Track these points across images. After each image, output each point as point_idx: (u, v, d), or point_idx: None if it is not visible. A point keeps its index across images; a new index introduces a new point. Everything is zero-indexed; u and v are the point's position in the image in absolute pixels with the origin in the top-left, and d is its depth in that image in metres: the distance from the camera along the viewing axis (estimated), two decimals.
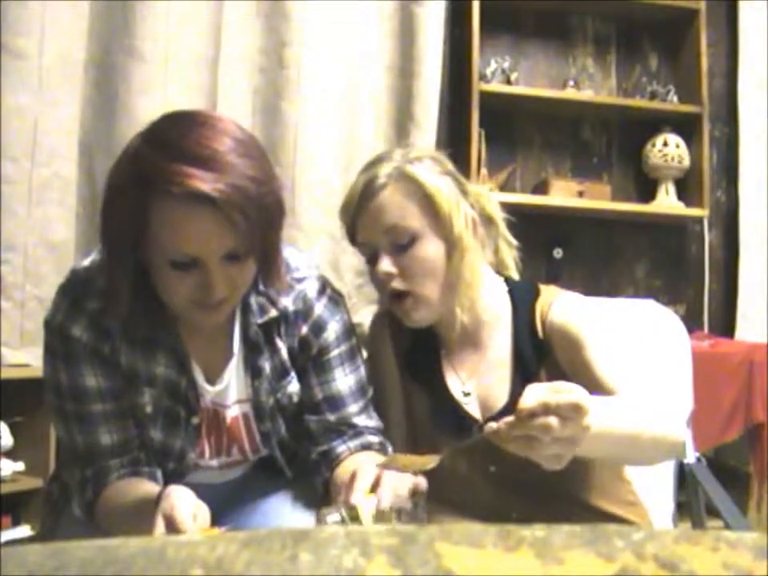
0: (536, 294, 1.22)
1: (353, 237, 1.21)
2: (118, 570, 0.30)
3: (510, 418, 0.82)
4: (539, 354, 1.18)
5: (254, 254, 0.99)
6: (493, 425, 0.85)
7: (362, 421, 1.19)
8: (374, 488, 0.95)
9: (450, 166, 1.21)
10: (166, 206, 0.92)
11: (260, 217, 0.94)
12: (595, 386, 1.07)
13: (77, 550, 0.32)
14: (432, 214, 1.15)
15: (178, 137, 0.94)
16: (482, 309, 1.21)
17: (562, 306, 1.18)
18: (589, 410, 0.80)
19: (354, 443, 1.17)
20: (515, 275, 1.28)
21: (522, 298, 1.22)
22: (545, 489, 1.14)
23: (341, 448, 1.17)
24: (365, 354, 1.29)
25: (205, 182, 0.90)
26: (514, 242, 1.27)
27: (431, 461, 0.95)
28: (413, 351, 1.28)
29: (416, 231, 1.15)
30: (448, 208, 1.15)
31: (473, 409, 1.22)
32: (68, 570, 0.30)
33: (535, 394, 0.81)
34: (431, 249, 1.15)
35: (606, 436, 0.91)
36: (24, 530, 1.93)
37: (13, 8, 1.99)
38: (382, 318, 1.33)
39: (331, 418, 1.17)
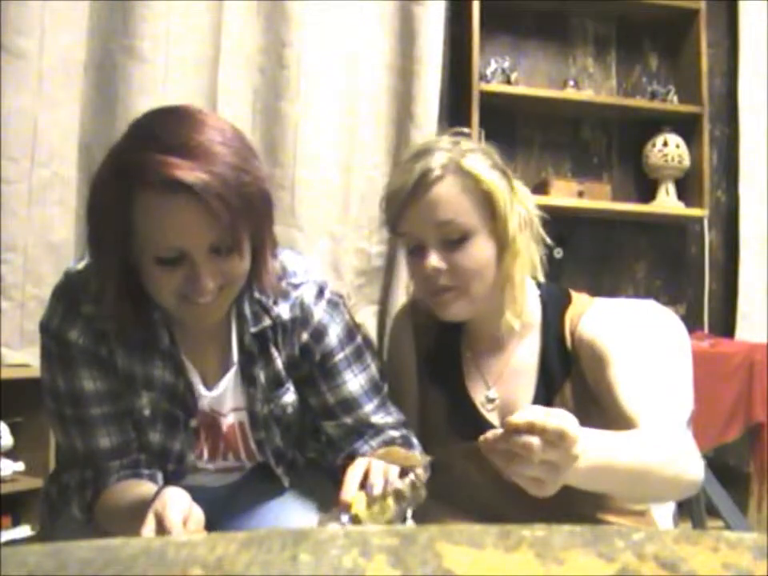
0: (567, 301, 1.19)
1: (395, 226, 1.17)
2: (118, 570, 0.30)
3: (498, 430, 0.81)
4: (565, 365, 1.16)
5: (240, 247, 0.97)
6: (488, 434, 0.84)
7: (380, 419, 1.16)
8: (366, 478, 0.94)
9: (498, 159, 1.17)
10: (146, 199, 0.92)
11: (242, 206, 0.92)
12: (617, 411, 1.04)
13: (77, 550, 0.32)
14: (488, 212, 1.12)
15: (158, 129, 0.94)
16: None
17: (591, 320, 1.14)
18: (576, 440, 0.78)
19: (375, 441, 1.15)
20: (540, 275, 1.24)
21: (553, 305, 1.19)
22: (550, 500, 1.13)
23: (363, 449, 1.15)
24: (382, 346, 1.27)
25: (181, 170, 0.89)
26: (549, 241, 1.20)
27: (426, 457, 0.95)
28: (435, 352, 1.26)
29: (470, 228, 1.11)
30: (504, 207, 1.12)
31: (492, 415, 1.19)
32: (68, 570, 0.30)
33: (526, 413, 0.80)
34: (482, 247, 1.12)
35: (605, 470, 0.88)
36: (24, 530, 1.92)
37: (13, 8, 1.99)
38: (405, 314, 1.31)
39: (348, 420, 1.15)
